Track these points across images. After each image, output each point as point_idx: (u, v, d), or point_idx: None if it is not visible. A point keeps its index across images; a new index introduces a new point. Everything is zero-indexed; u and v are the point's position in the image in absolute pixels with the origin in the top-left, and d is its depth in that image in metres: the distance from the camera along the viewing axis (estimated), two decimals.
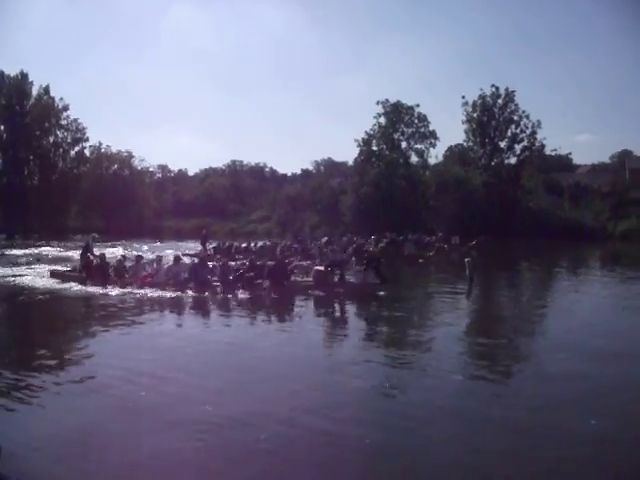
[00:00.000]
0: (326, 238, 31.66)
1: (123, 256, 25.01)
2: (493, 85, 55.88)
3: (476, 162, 57.49)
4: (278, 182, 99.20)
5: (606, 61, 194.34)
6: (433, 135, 58.68)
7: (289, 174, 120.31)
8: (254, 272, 19.93)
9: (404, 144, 59.36)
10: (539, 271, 30.36)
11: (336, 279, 20.17)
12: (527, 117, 55.60)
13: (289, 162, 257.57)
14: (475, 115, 56.36)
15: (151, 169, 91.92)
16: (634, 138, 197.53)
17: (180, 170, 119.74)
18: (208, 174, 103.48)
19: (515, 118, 55.85)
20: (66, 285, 21.51)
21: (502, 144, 56.49)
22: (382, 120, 58.82)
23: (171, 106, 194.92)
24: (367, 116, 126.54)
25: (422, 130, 58.77)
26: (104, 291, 19.87)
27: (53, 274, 24.28)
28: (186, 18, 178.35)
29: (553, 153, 65.16)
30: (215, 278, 20.53)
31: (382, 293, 19.37)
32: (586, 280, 25.97)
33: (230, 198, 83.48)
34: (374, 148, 59.36)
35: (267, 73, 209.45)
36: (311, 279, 20.30)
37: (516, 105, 55.66)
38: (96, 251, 26.62)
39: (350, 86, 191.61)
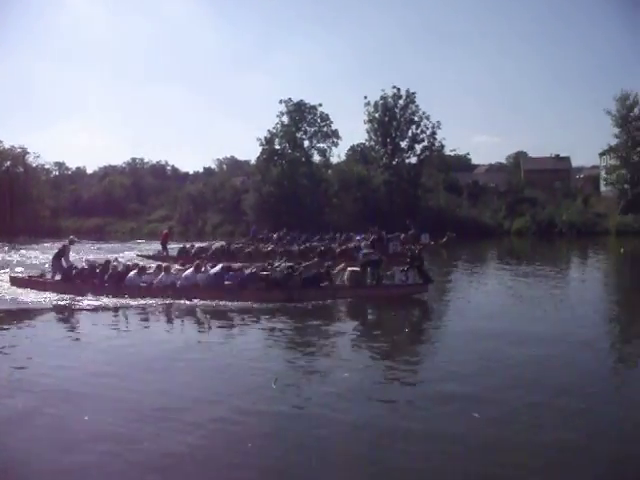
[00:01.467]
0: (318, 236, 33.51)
1: (116, 259, 23.04)
2: (394, 86, 56.95)
3: (377, 161, 58.37)
4: (180, 180, 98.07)
5: (504, 65, 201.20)
6: (335, 134, 59.24)
7: (191, 172, 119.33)
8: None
9: (307, 143, 59.66)
10: (442, 266, 30.96)
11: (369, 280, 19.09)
12: (427, 118, 56.91)
13: (191, 160, 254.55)
14: (377, 115, 57.16)
15: (47, 166, 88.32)
16: (529, 140, 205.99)
17: (78, 168, 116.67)
18: (107, 172, 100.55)
19: (416, 119, 56.99)
20: (34, 295, 19.49)
21: (403, 144, 57.61)
22: (285, 119, 58.92)
23: (68, 102, 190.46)
24: (270, 115, 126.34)
25: (324, 129, 59.18)
26: (97, 302, 18.12)
27: (15, 281, 21.95)
28: (83, 11, 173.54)
29: (452, 153, 67.03)
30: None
31: (425, 296, 18.75)
32: (484, 273, 27.11)
33: (130, 197, 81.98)
34: (277, 147, 59.24)
35: (168, 69, 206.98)
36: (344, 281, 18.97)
37: (417, 106, 56.91)
38: (74, 256, 25.32)
39: (254, 84, 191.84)
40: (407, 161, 57.97)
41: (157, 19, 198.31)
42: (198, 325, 15.91)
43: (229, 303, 17.30)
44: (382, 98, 56.81)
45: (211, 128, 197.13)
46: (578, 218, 52.51)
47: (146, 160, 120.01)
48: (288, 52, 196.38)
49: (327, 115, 59.12)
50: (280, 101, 58.88)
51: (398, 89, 56.68)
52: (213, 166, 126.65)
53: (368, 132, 58.32)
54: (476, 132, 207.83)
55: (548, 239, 47.66)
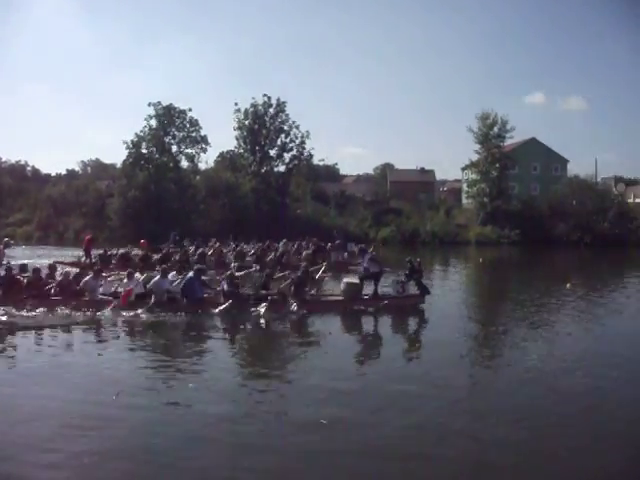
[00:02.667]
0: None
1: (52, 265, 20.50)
2: (265, 94, 56.91)
3: (246, 169, 58.03)
4: (41, 182, 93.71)
5: (374, 79, 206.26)
6: (204, 140, 58.34)
7: (53, 174, 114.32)
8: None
9: (175, 148, 58.34)
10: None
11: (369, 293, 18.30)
12: (297, 127, 57.30)
13: (54, 162, 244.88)
14: (246, 122, 56.88)
15: None
16: (395, 153, 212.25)
17: None
18: None
19: (285, 128, 57.24)
20: None
21: (272, 152, 57.65)
22: (153, 122, 57.30)
23: None
24: (139, 118, 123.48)
25: (193, 134, 58.19)
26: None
27: None
28: None
29: (321, 163, 67.84)
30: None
31: (423, 306, 18.34)
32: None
33: None
34: (144, 151, 57.48)
35: (31, 65, 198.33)
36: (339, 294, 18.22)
37: (287, 115, 57.19)
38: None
39: (123, 86, 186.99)
40: (276, 169, 58.09)
41: (24, 15, 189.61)
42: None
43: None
44: (252, 106, 56.69)
45: (76, 129, 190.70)
46: (441, 229, 54.69)
47: (4, 159, 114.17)
48: (160, 55, 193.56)
49: (197, 120, 58.22)
50: (149, 104, 57.19)
51: (269, 97, 56.81)
52: (77, 168, 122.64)
53: (237, 139, 58.08)
54: (345, 143, 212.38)
55: (412, 248, 49.00)
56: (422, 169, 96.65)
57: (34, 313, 15.98)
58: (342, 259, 30.47)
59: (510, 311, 19.42)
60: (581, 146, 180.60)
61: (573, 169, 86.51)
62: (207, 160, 65.91)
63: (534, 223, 55.99)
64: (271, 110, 56.93)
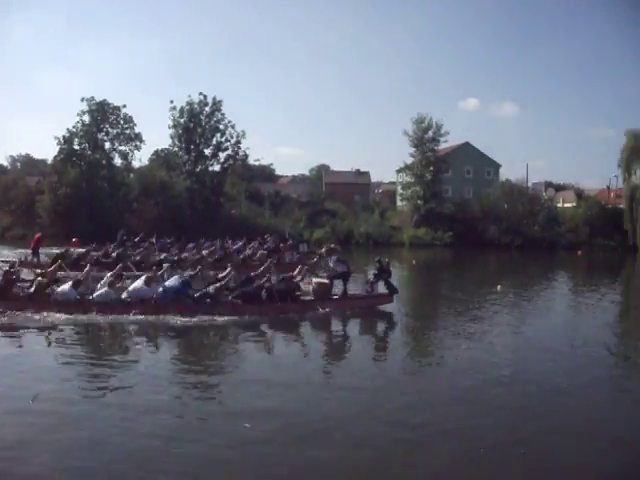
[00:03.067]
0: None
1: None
2: (201, 93, 56.27)
3: (180, 167, 57.29)
4: None
5: (310, 80, 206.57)
6: (139, 137, 57.31)
7: None
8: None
9: (108, 145, 57.07)
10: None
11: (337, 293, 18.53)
12: (233, 127, 56.84)
13: None
14: (182, 121, 56.18)
15: None
16: (331, 154, 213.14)
17: None
18: None
19: (221, 127, 56.71)
20: None
21: (207, 151, 57.04)
22: (86, 118, 55.85)
23: None
24: (72, 113, 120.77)
25: (127, 132, 57.11)
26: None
27: None
28: None
29: (257, 163, 67.51)
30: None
31: (390, 306, 18.72)
32: None
33: None
34: (76, 147, 56.07)
35: None
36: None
37: (222, 114, 56.65)
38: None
39: (54, 80, 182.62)
40: (211, 169, 57.53)
41: None
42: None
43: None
44: (188, 104, 55.98)
45: (5, 123, 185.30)
46: (375, 230, 55.04)
47: None
48: (94, 49, 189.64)
49: (131, 117, 57.08)
50: (82, 99, 55.64)
51: (205, 96, 56.18)
52: (5, 163, 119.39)
53: (172, 137, 57.25)
54: (281, 144, 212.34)
55: (346, 249, 49.18)
56: (357, 171, 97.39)
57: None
58: (295, 260, 30.21)
59: (442, 313, 20.03)
60: (513, 151, 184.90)
61: (505, 173, 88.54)
62: (141, 158, 64.81)
63: (467, 226, 56.97)
64: (207, 109, 56.37)
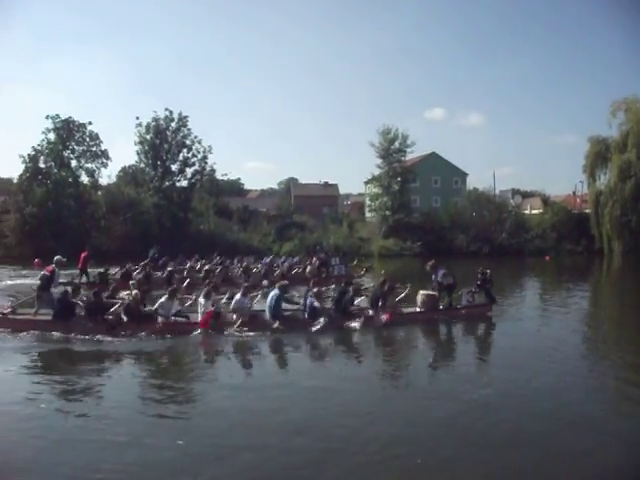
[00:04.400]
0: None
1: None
2: (167, 108, 55.92)
3: (147, 184, 56.82)
4: None
5: (276, 93, 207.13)
6: (105, 155, 56.65)
7: None
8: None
9: (74, 163, 56.36)
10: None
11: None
12: (199, 142, 56.46)
13: None
14: (148, 137, 55.76)
15: None
16: (300, 167, 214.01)
17: None
18: None
19: (187, 142, 56.20)
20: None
21: (174, 167, 56.52)
22: (51, 136, 55.21)
23: None
24: (37, 131, 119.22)
25: (94, 149, 56.53)
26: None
27: None
28: None
29: (225, 178, 67.32)
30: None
31: (490, 314, 19.83)
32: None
33: None
34: (41, 165, 55.33)
35: None
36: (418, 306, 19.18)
37: (189, 130, 56.15)
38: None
39: (18, 97, 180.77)
40: (178, 184, 57.08)
41: None
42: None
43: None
44: (154, 120, 55.56)
45: None
46: (344, 242, 55.11)
47: None
48: (59, 65, 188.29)
49: (97, 134, 56.43)
50: (47, 117, 54.91)
51: (170, 111, 55.77)
52: None
53: (139, 154, 56.66)
54: (250, 158, 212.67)
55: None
56: (326, 183, 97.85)
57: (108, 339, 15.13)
58: (343, 272, 31.42)
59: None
60: (480, 160, 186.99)
61: (472, 182, 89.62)
62: (110, 175, 64.12)
63: (435, 235, 57.56)
64: (173, 124, 55.94)
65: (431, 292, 19.57)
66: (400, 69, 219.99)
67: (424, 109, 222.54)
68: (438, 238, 56.66)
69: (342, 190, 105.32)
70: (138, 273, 26.68)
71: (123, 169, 71.77)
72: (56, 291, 17.42)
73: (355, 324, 16.81)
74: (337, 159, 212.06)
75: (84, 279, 27.02)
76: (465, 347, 16.09)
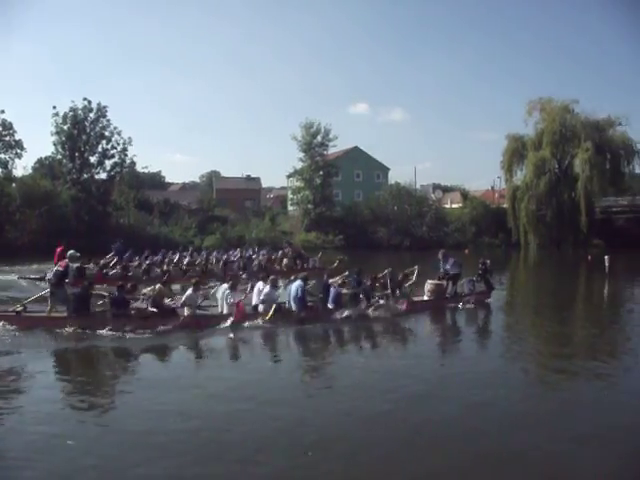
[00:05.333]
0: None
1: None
2: (85, 98, 54.32)
3: (65, 176, 55.17)
4: None
5: (198, 86, 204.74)
6: (19, 145, 54.69)
7: None
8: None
9: None
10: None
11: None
12: (119, 133, 55.00)
13: None
14: (65, 127, 54.07)
15: None
16: (222, 160, 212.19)
17: None
18: None
19: (107, 134, 54.64)
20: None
21: (92, 159, 54.91)
22: None
23: None
24: None
25: (7, 139, 54.57)
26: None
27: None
28: None
29: (145, 170, 66.17)
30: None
31: (489, 300, 21.43)
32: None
33: None
34: None
35: None
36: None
37: (108, 120, 54.56)
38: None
39: None
40: (97, 177, 55.51)
41: None
42: None
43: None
44: (72, 110, 53.85)
45: None
46: (266, 235, 54.97)
47: None
48: None
49: (10, 124, 54.33)
50: None
51: (89, 102, 54.14)
52: None
53: (55, 145, 54.76)
54: (172, 151, 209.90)
55: None
56: (248, 177, 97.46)
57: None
58: (317, 265, 31.61)
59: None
60: (402, 155, 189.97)
61: (394, 176, 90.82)
62: (25, 166, 61.95)
63: (357, 228, 58.13)
64: (91, 115, 54.39)
65: (438, 281, 20.76)
66: (324, 64, 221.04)
67: (348, 104, 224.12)
68: (360, 231, 57.26)
69: (265, 183, 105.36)
70: (111, 268, 26.71)
71: (39, 160, 69.67)
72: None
73: (376, 311, 17.83)
74: (260, 152, 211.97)
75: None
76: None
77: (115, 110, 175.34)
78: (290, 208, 72.57)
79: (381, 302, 18.29)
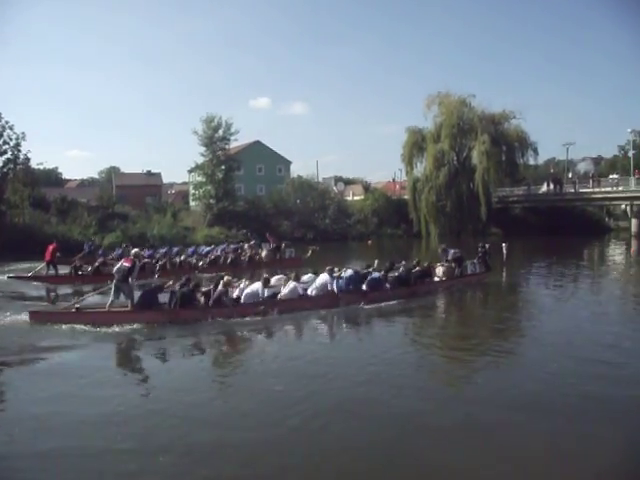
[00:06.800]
0: None
1: None
2: None
3: None
4: None
5: (96, 80, 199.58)
6: None
7: None
8: None
9: None
10: None
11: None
12: (11, 128, 52.84)
13: None
14: None
15: None
16: (121, 156, 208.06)
17: None
18: None
19: None
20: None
21: None
22: None
23: None
24: None
25: None
26: None
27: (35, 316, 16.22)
28: None
29: (41, 167, 63.82)
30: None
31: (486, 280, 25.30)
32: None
33: None
34: None
35: None
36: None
37: None
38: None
39: None
40: None
41: None
42: None
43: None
44: None
45: None
46: (168, 232, 54.15)
47: None
48: None
49: None
50: None
51: None
52: None
53: None
54: (69, 146, 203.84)
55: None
56: (149, 172, 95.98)
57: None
58: (293, 256, 34.54)
59: None
60: (305, 148, 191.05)
61: (297, 170, 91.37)
62: None
63: (260, 222, 58.05)
64: None
65: (449, 265, 23.95)
66: (224, 58, 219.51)
67: (249, 98, 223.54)
68: (263, 225, 57.13)
69: (166, 179, 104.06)
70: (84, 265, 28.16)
71: None
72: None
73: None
74: (161, 147, 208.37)
75: (52, 271, 27.64)
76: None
77: (5, 105, 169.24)
78: (192, 203, 71.64)
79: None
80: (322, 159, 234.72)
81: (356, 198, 78.32)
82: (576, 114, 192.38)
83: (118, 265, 17.65)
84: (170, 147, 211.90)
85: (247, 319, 16.43)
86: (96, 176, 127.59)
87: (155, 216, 59.93)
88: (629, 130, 71.72)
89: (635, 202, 58.38)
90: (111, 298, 16.85)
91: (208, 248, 34.54)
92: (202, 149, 60.82)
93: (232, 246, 35.12)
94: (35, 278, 26.88)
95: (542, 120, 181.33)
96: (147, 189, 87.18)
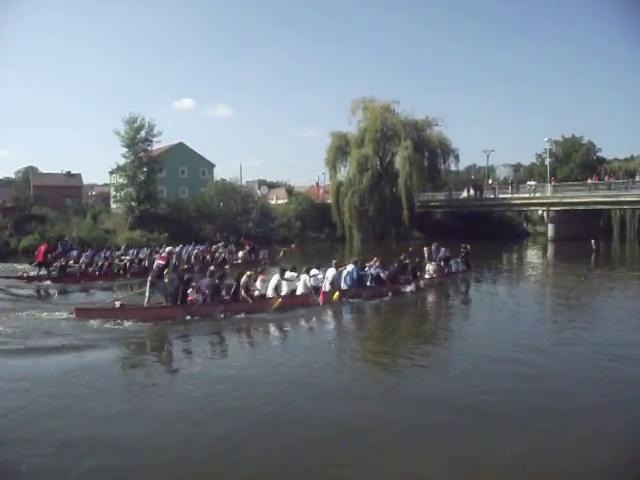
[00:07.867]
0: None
1: None
2: None
3: None
4: None
5: (12, 77, 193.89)
6: None
7: None
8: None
9: None
10: None
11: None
12: None
13: None
14: None
15: None
16: (39, 155, 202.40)
17: None
18: None
19: None
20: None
21: None
22: None
23: None
24: None
25: None
26: None
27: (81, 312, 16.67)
28: None
29: None
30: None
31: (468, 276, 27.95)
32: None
33: None
34: None
35: None
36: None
37: None
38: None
39: None
40: None
41: None
42: None
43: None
44: None
45: None
46: (88, 234, 52.94)
47: None
48: None
49: None
50: None
51: None
52: None
53: None
54: None
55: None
56: (68, 173, 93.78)
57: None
58: (267, 256, 37.01)
59: None
60: (228, 152, 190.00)
61: (220, 173, 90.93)
62: None
63: (182, 225, 57.36)
64: None
65: (438, 264, 26.23)
66: (148, 58, 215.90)
67: (173, 99, 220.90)
68: (185, 228, 56.51)
69: (86, 180, 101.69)
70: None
71: None
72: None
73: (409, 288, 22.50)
74: (81, 148, 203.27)
75: (43, 272, 27.99)
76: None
77: None
78: (113, 206, 70.38)
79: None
80: (246, 162, 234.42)
81: (280, 202, 78.55)
82: (496, 122, 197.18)
83: (155, 263, 18.46)
84: (91, 148, 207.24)
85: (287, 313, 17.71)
86: (13, 176, 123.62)
87: (74, 218, 58.48)
88: (546, 139, 73.86)
89: (551, 208, 60.29)
90: (147, 295, 17.56)
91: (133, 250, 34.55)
92: (124, 150, 59.68)
93: (201, 247, 36.33)
94: (28, 279, 27.13)
95: (463, 127, 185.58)
96: (67, 190, 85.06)
